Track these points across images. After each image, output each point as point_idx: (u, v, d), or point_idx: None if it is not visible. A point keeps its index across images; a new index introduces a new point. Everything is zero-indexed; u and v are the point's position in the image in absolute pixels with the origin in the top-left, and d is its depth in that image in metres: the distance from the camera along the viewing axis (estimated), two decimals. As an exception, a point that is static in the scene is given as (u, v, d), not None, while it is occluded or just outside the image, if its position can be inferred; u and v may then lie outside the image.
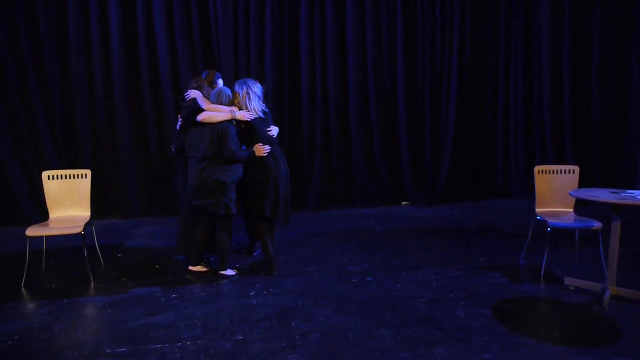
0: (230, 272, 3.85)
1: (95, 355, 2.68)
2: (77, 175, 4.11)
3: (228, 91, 3.80)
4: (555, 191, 4.13)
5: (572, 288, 3.55)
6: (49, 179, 4.06)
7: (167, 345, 2.78)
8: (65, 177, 4.09)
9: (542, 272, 3.84)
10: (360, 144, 6.36)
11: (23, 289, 3.64)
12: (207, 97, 3.85)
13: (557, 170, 4.17)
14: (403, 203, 6.53)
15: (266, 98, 5.93)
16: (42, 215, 4.98)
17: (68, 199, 4.08)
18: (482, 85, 6.67)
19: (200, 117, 3.66)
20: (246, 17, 5.90)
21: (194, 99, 3.81)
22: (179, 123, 3.93)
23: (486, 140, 6.77)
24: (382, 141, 6.42)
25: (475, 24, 6.51)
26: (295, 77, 6.15)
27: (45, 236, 4.03)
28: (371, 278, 3.81)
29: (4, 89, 5.39)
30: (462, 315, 3.13)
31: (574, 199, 4.03)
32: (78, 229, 3.69)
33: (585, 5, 6.49)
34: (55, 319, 3.12)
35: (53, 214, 4.05)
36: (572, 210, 4.10)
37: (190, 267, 3.91)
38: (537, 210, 4.10)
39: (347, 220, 5.67)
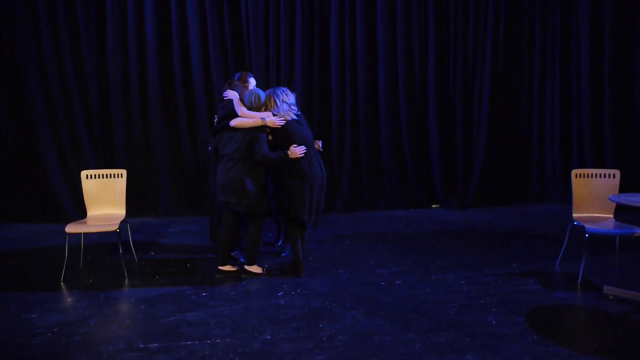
0: (256, 268, 3.91)
1: (129, 350, 2.76)
2: (114, 175, 4.24)
3: (261, 93, 3.85)
4: (594, 196, 3.98)
5: (612, 297, 3.41)
6: (87, 178, 4.21)
7: (197, 342, 2.84)
8: (102, 177, 4.23)
9: (579, 280, 3.70)
10: (390, 146, 6.30)
11: (62, 283, 3.79)
12: (241, 97, 3.91)
13: (596, 174, 4.01)
14: (433, 206, 6.43)
15: (297, 101, 5.98)
16: (80, 212, 5.18)
17: (105, 198, 4.22)
18: (516, 84, 6.49)
19: (233, 122, 3.73)
20: (277, 18, 5.96)
21: (231, 101, 3.88)
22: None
23: (520, 142, 6.59)
24: (412, 142, 6.34)
25: (510, 20, 6.34)
26: (325, 79, 6.16)
27: (83, 233, 4.18)
28: (400, 281, 3.76)
29: (47, 93, 5.63)
30: (494, 322, 3.06)
31: (614, 205, 3.87)
32: (114, 227, 3.82)
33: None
34: (92, 314, 3.23)
35: (91, 212, 4.20)
36: (612, 216, 3.94)
37: (220, 267, 3.98)
38: (574, 215, 3.96)
39: (376, 223, 5.62)
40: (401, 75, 6.24)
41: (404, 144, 6.34)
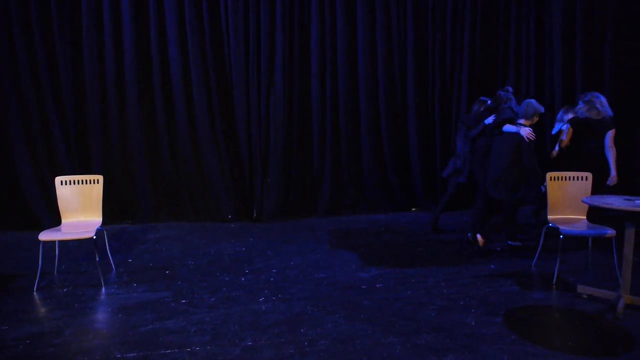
0: (513, 243, 4.64)
1: (106, 360, 2.70)
2: (89, 180, 4.15)
3: (533, 103, 4.41)
4: (568, 198, 4.09)
5: (585, 296, 3.50)
6: (62, 184, 4.11)
7: (176, 350, 2.79)
8: (78, 183, 4.14)
9: (554, 280, 3.79)
10: (371, 151, 6.34)
11: (35, 293, 3.68)
12: (499, 104, 4.62)
13: (569, 177, 4.12)
14: (413, 209, 6.49)
15: (276, 107, 5.98)
16: (55, 220, 5.04)
17: (80, 204, 4.13)
18: (492, 88, 6.62)
19: (505, 128, 4.42)
20: (256, 22, 5.93)
21: (505, 108, 4.55)
22: (477, 129, 4.73)
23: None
24: (392, 147, 6.40)
25: (486, 30, 6.50)
26: (306, 86, 6.16)
27: (58, 241, 4.08)
28: (381, 285, 3.79)
29: (20, 97, 5.49)
30: (473, 323, 3.10)
31: (586, 206, 3.99)
32: (90, 234, 3.74)
33: (598, 4, 6.45)
34: (67, 324, 3.15)
35: (65, 219, 4.10)
36: (584, 217, 4.05)
37: (509, 242, 4.66)
38: (548, 217, 4.05)
39: (357, 227, 5.65)
40: (381, 79, 6.29)
41: (385, 149, 6.40)
